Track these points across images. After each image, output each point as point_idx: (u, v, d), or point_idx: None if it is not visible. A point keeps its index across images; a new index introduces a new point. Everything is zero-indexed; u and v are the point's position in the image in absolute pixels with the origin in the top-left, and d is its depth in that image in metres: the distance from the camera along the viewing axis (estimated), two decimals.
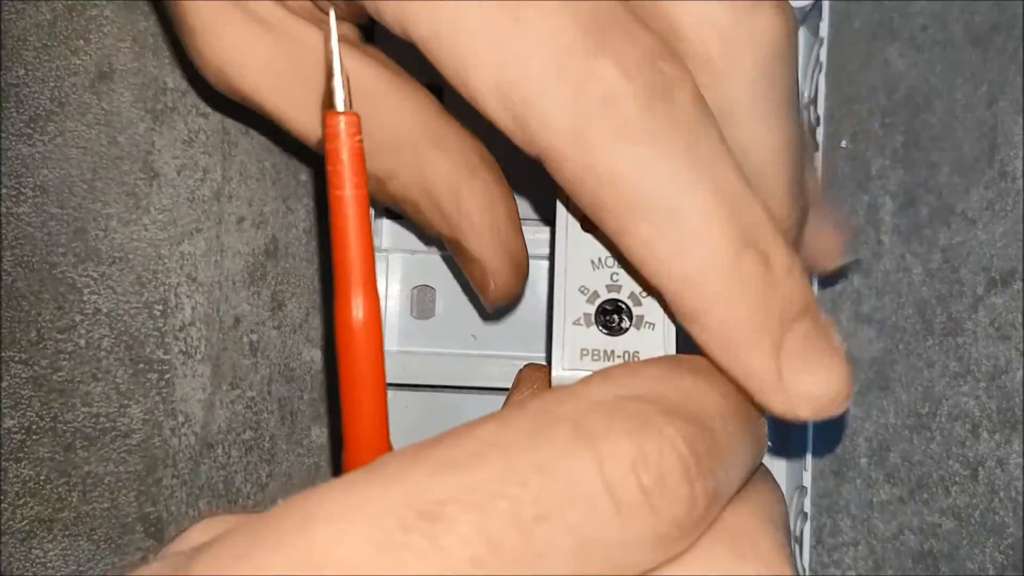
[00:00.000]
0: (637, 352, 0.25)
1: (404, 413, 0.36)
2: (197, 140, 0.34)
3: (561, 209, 0.26)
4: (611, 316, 0.25)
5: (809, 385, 0.22)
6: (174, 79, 0.34)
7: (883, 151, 0.35)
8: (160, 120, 0.34)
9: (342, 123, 0.22)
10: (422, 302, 0.36)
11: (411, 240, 0.36)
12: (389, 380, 0.35)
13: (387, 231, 0.35)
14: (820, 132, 0.33)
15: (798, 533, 0.34)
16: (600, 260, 0.25)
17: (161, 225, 0.34)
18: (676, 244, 0.22)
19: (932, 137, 0.35)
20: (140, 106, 0.34)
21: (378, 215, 0.34)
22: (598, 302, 0.25)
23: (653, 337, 0.25)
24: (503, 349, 0.36)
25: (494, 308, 0.32)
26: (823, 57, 0.34)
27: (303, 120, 0.29)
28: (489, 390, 0.36)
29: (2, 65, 0.33)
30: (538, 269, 0.36)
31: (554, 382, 0.25)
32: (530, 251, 0.35)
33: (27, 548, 0.33)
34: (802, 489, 0.33)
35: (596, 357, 0.25)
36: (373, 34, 0.30)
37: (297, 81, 0.28)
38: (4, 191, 0.33)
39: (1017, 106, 0.35)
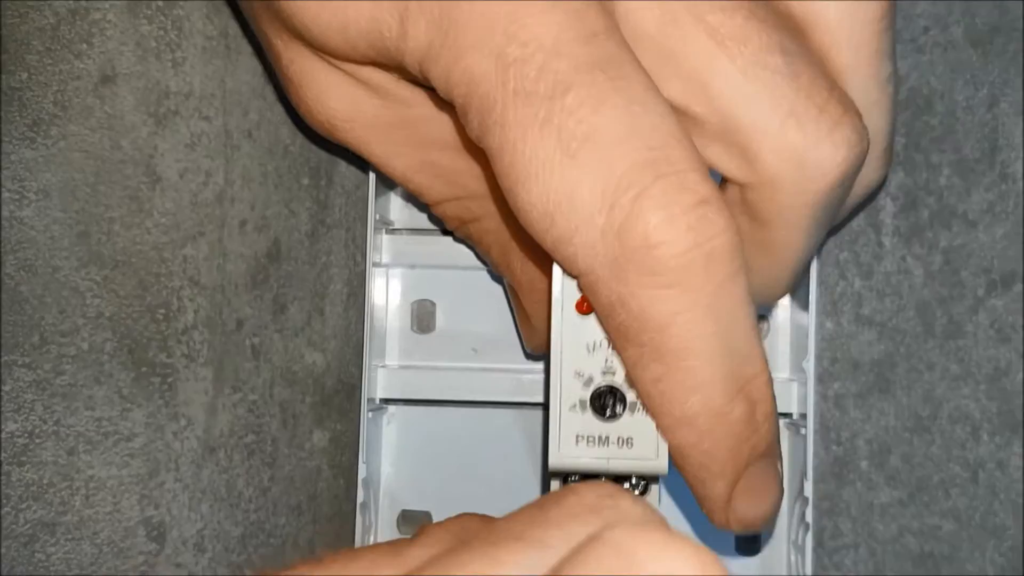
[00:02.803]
0: (631, 438, 0.26)
1: (405, 428, 0.36)
2: (199, 144, 0.34)
3: (556, 293, 0.26)
4: (606, 400, 0.26)
5: (746, 511, 0.26)
6: (177, 83, 0.34)
7: None
8: (163, 124, 0.34)
9: None
10: (422, 316, 0.37)
11: (411, 255, 0.36)
12: (389, 396, 0.35)
13: (387, 246, 0.35)
14: None
15: (800, 543, 0.34)
16: (595, 344, 0.26)
17: (164, 229, 0.34)
18: (680, 387, 0.24)
19: (933, 139, 0.35)
20: (143, 110, 0.34)
21: (377, 230, 0.34)
22: (593, 387, 0.26)
23: (646, 422, 0.26)
24: (504, 363, 0.36)
25: (533, 351, 0.34)
26: None
27: (403, 167, 0.30)
28: (491, 404, 0.36)
29: (5, 69, 0.33)
30: None
31: (551, 466, 0.26)
32: None
33: (30, 552, 0.33)
34: (804, 499, 0.33)
35: (591, 442, 0.26)
36: None
37: (400, 135, 0.30)
38: (7, 195, 0.33)
39: (1018, 108, 0.35)
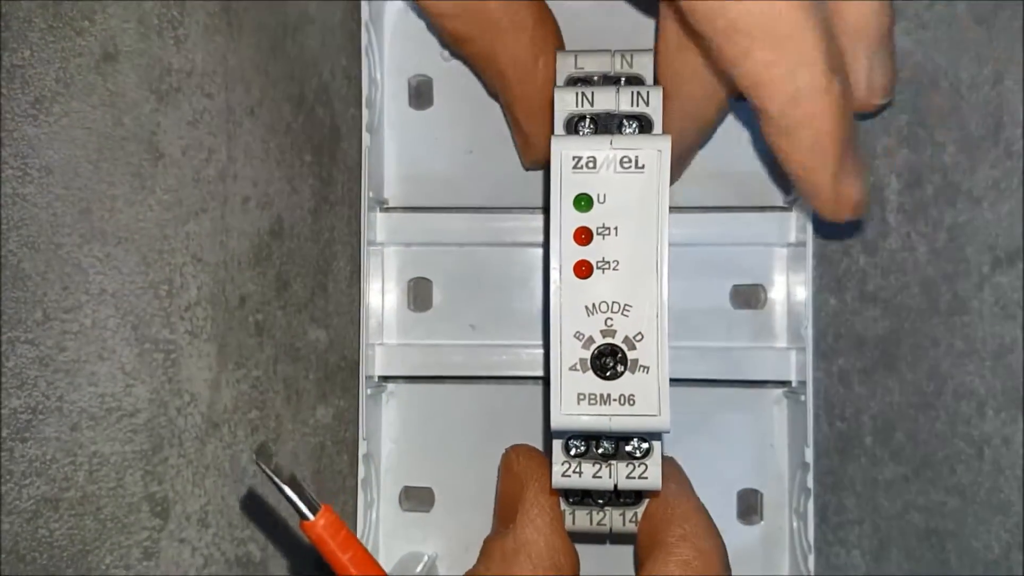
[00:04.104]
0: (632, 395, 0.26)
1: (405, 405, 0.36)
2: (202, 120, 0.34)
3: (555, 256, 0.26)
4: (606, 360, 0.26)
5: (851, 190, 0.30)
6: (179, 60, 0.34)
7: (888, 130, 0.35)
8: (165, 101, 0.34)
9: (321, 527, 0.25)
10: (419, 294, 0.37)
11: (406, 232, 0.36)
12: (388, 373, 0.35)
13: (381, 224, 0.35)
14: None
15: (802, 510, 0.34)
16: (594, 306, 0.26)
17: (166, 205, 0.34)
18: (789, 66, 0.27)
19: (937, 116, 0.35)
20: (145, 87, 0.34)
21: (372, 208, 0.34)
22: (593, 347, 0.26)
23: (648, 380, 0.26)
24: (502, 338, 0.36)
25: (530, 167, 0.36)
26: None
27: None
28: (489, 379, 0.36)
29: (7, 46, 0.33)
30: (534, 257, 0.36)
31: (553, 426, 0.26)
32: (523, 239, 0.35)
33: (33, 527, 0.33)
34: (805, 466, 0.33)
35: (593, 401, 0.26)
36: None
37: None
38: (10, 172, 0.33)
39: (1022, 85, 0.35)
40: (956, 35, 0.35)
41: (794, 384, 0.34)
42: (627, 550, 0.34)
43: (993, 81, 0.35)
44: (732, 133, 0.35)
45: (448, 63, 0.36)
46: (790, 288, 0.35)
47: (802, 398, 0.33)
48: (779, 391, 0.35)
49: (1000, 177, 0.35)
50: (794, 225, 0.35)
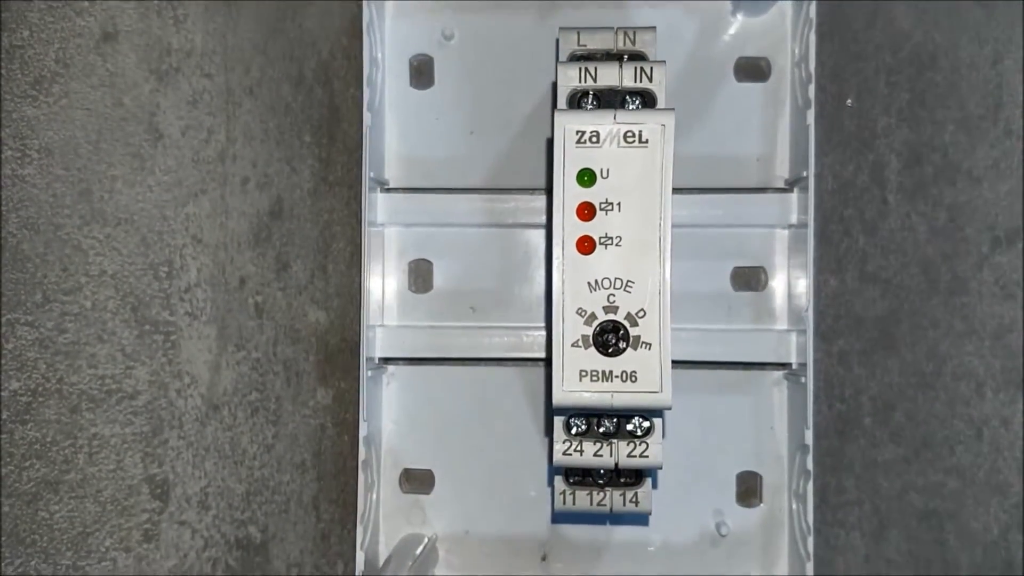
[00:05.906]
0: (635, 372, 0.26)
1: (405, 387, 0.36)
2: (201, 101, 0.34)
3: (558, 232, 0.26)
4: (608, 336, 0.26)
5: None
6: (178, 40, 0.34)
7: (888, 109, 0.35)
8: (165, 81, 0.34)
9: None
10: (420, 275, 0.36)
11: (407, 213, 0.36)
12: (389, 355, 0.35)
13: (382, 205, 0.35)
14: (811, 89, 0.33)
15: (801, 492, 0.34)
16: (597, 282, 0.26)
17: (166, 186, 0.34)
18: None
19: (937, 95, 0.35)
20: (145, 67, 0.34)
21: (372, 189, 0.34)
22: (596, 324, 0.26)
23: (650, 356, 0.26)
24: (503, 320, 0.36)
25: None
26: (812, 14, 0.34)
27: None
28: (489, 361, 0.36)
29: (7, 27, 0.33)
30: (535, 238, 0.36)
31: (555, 403, 0.26)
32: (525, 219, 0.35)
33: (33, 510, 0.33)
34: (804, 448, 0.33)
35: (595, 377, 0.26)
36: None
37: None
38: (9, 153, 0.33)
39: (1022, 64, 0.34)
40: (956, 15, 0.35)
41: (794, 366, 0.34)
42: (626, 552, 0.34)
43: (993, 61, 0.35)
44: (734, 115, 0.35)
45: (449, 42, 0.36)
46: (791, 270, 0.35)
47: (802, 380, 0.33)
48: (779, 373, 0.35)
49: (1000, 157, 0.35)
50: (795, 206, 0.35)
